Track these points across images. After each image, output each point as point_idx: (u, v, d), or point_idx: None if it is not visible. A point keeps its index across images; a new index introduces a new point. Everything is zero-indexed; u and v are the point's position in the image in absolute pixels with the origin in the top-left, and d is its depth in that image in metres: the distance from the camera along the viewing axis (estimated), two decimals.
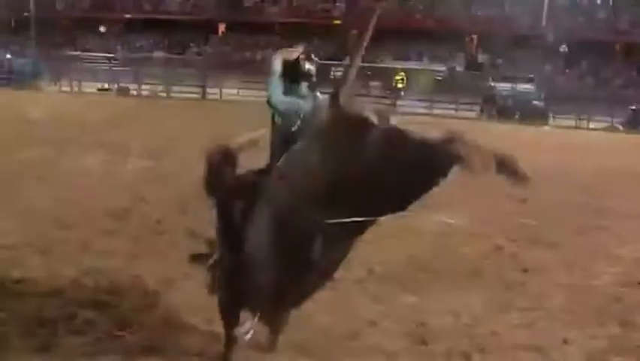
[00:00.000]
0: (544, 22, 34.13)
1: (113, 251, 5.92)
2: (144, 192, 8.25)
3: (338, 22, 38.23)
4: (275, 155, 3.48)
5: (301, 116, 3.36)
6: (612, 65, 33.50)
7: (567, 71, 34.13)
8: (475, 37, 36.81)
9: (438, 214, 7.88)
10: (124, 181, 9.03)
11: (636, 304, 5.41)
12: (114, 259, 5.72)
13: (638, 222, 8.29)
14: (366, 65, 33.15)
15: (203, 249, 4.09)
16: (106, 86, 25.92)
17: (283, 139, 3.43)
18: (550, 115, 23.17)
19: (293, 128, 3.36)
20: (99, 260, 5.64)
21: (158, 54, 38.03)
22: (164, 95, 24.84)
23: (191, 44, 39.53)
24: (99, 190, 8.32)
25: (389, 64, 33.09)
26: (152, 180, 9.13)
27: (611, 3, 36.82)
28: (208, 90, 25.02)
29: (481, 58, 36.52)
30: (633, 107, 24.20)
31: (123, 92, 24.99)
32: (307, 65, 3.51)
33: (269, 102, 3.43)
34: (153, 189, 8.46)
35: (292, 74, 3.49)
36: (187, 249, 5.86)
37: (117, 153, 11.05)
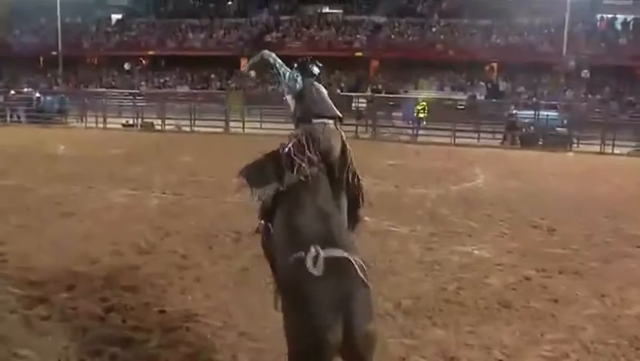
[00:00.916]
0: (564, 49, 34.03)
1: (139, 286, 5.93)
2: (169, 227, 8.29)
3: (359, 54, 38.56)
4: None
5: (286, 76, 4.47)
6: (634, 89, 33.20)
7: (589, 96, 33.88)
8: (495, 65, 36.87)
9: (463, 246, 7.82)
10: (149, 216, 9.09)
11: None
12: (140, 294, 5.74)
13: None
14: (388, 95, 33.50)
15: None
16: (130, 121, 26.20)
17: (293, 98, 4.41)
18: (574, 141, 22.91)
19: (298, 87, 4.37)
20: (125, 296, 5.66)
21: (182, 89, 38.57)
22: (188, 129, 25.06)
23: (213, 76, 40.13)
24: (124, 225, 8.37)
25: (411, 94, 33.14)
26: (176, 214, 9.17)
27: (631, 28, 36.71)
28: (231, 124, 25.20)
29: (503, 86, 36.47)
30: None
31: (147, 127, 25.22)
32: (314, 67, 4.52)
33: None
34: (178, 224, 8.49)
35: (302, 70, 4.50)
36: (213, 283, 5.92)
37: (141, 187, 11.15)
